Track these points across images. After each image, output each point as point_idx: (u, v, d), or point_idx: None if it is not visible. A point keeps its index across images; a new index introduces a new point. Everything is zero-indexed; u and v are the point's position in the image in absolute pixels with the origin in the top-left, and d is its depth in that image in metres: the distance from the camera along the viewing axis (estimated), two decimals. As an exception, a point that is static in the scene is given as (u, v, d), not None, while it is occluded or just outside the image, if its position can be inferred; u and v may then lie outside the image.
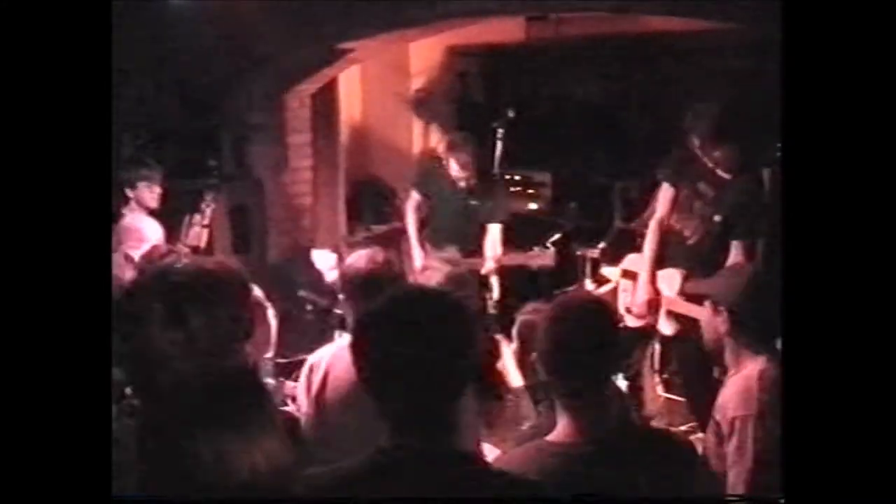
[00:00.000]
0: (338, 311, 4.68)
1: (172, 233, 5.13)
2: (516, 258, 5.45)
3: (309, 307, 4.62)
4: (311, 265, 4.79)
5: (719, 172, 4.39)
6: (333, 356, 2.92)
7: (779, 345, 2.55)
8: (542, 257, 5.34)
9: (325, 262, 4.82)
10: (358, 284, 2.88)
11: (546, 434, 2.18)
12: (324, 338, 4.47)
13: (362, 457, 1.80)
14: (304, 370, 2.99)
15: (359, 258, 2.96)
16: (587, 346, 2.12)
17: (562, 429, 2.14)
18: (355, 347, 1.81)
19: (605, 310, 2.30)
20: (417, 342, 1.73)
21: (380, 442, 1.78)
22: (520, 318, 3.29)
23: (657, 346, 5.04)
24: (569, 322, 2.17)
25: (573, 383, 2.13)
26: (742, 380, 2.65)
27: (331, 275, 4.78)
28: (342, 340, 3.09)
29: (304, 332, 4.43)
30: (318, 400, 2.89)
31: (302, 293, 4.53)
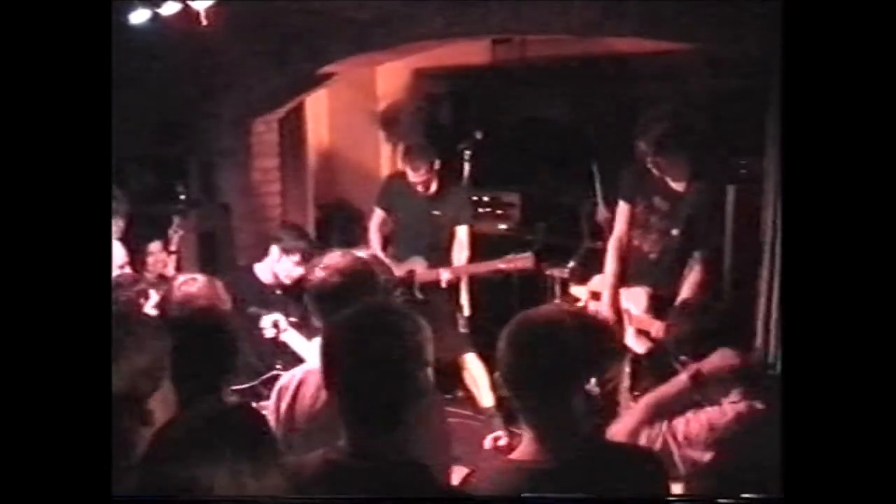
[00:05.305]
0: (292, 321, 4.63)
1: (139, 259, 5.09)
2: (492, 264, 5.38)
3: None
4: (255, 280, 4.72)
5: (672, 185, 4.42)
6: (302, 378, 2.89)
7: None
8: (521, 260, 5.27)
9: (266, 272, 4.77)
10: (325, 294, 2.86)
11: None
12: (283, 354, 4.41)
13: (318, 453, 2.02)
14: (274, 392, 2.96)
15: (324, 268, 2.90)
16: (547, 360, 2.03)
17: (525, 446, 2.10)
18: (323, 353, 2.07)
19: (567, 323, 2.13)
20: (374, 353, 1.96)
21: (338, 441, 2.00)
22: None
23: (628, 365, 5.05)
24: (528, 335, 2.09)
25: (533, 398, 2.07)
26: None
27: (291, 273, 4.68)
28: (308, 364, 3.05)
29: (265, 350, 4.39)
30: (288, 421, 2.86)
31: (251, 310, 4.44)
